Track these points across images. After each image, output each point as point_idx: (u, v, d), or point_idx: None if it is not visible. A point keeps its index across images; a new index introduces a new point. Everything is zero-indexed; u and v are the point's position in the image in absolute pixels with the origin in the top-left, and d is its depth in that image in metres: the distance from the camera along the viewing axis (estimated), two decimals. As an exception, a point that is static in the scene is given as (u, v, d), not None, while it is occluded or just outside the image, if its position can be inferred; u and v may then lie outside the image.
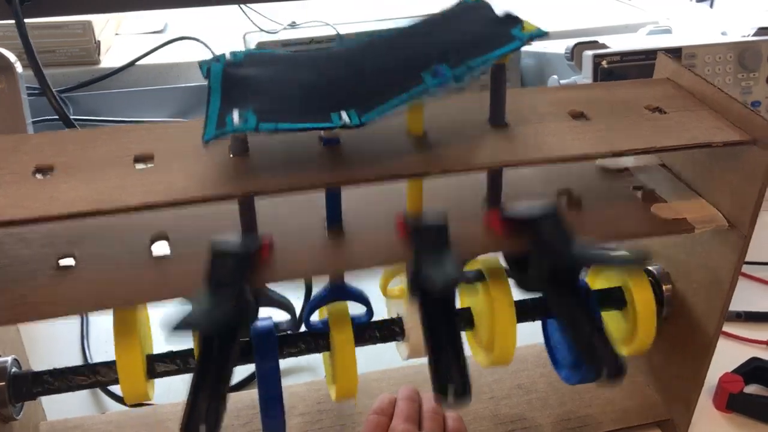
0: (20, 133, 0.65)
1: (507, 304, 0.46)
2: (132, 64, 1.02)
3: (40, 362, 0.52)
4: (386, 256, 0.43)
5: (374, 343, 0.50)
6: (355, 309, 0.49)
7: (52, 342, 0.64)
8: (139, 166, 0.41)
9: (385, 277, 0.51)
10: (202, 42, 1.03)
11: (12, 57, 0.67)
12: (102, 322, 0.67)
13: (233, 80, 0.42)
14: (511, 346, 0.47)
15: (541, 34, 0.40)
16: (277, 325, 0.48)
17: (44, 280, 0.41)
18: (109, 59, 1.05)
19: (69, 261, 0.43)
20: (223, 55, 0.45)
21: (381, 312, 0.52)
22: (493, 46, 0.40)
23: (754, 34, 0.84)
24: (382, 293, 0.52)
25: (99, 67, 1.02)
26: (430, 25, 0.45)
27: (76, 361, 0.62)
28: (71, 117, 0.89)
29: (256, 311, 0.43)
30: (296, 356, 0.49)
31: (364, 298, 0.49)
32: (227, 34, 1.06)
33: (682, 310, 0.52)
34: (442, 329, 0.40)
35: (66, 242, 0.44)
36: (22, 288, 0.41)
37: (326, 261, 0.43)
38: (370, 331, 0.50)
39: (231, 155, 0.42)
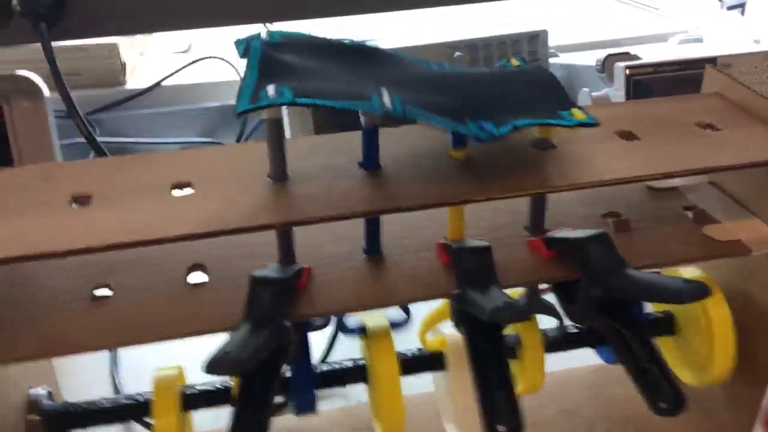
0: (49, 157, 0.64)
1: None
2: (157, 84, 1.02)
3: (68, 390, 0.51)
4: (429, 287, 0.41)
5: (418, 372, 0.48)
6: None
7: (79, 369, 0.62)
8: (177, 193, 0.40)
9: (425, 324, 0.49)
10: (227, 61, 1.02)
11: (38, 80, 0.66)
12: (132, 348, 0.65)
13: (271, 58, 0.40)
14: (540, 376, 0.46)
15: (590, 124, 0.38)
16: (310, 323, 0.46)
17: (80, 312, 0.40)
18: (135, 80, 1.05)
19: (105, 291, 0.42)
20: (259, 33, 0.43)
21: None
22: (540, 115, 0.39)
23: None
24: (422, 343, 0.50)
25: (125, 89, 1.02)
26: (484, 74, 0.43)
27: (105, 387, 0.61)
28: (98, 139, 0.89)
29: (296, 343, 0.42)
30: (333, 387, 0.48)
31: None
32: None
33: (741, 337, 0.50)
34: (492, 364, 0.38)
35: (101, 271, 0.43)
36: (58, 321, 0.40)
37: (367, 294, 0.41)
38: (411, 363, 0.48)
39: (270, 180, 0.40)
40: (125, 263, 0.44)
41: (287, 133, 0.87)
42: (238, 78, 0.98)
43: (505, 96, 0.39)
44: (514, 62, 0.46)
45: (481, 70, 0.45)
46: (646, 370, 0.38)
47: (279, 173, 0.40)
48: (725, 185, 0.49)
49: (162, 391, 0.44)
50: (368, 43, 0.46)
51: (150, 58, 1.14)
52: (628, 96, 0.75)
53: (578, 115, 0.38)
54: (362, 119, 0.40)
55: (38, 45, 0.72)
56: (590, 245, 0.39)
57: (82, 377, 0.59)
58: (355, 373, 0.47)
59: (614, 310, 0.39)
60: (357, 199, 0.39)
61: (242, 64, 1.00)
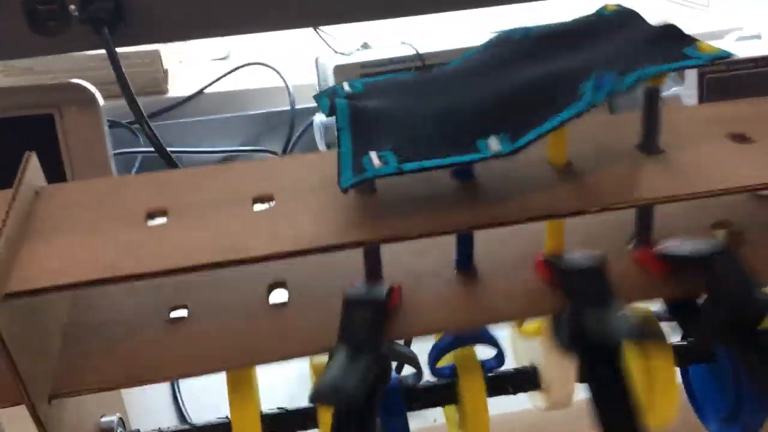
0: (104, 169, 0.62)
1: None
2: (200, 92, 1.00)
3: (134, 418, 0.49)
4: (531, 305, 0.38)
5: (506, 393, 0.45)
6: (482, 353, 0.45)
7: (140, 394, 0.60)
8: (259, 208, 0.37)
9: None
10: (271, 67, 1.00)
11: (92, 88, 0.64)
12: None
13: (361, 115, 0.38)
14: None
15: (725, 56, 0.35)
16: (400, 379, 0.43)
17: (157, 336, 0.38)
18: (176, 88, 1.03)
19: (182, 312, 0.39)
20: (341, 86, 0.41)
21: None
22: (664, 60, 0.35)
23: None
24: (517, 331, 0.47)
25: (167, 97, 1.00)
26: (570, 35, 0.40)
27: (169, 415, 0.59)
28: (142, 149, 0.87)
29: (392, 370, 0.39)
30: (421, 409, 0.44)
31: (495, 341, 0.44)
32: (295, 58, 1.03)
33: None
34: (615, 393, 0.35)
35: (176, 290, 0.40)
36: (134, 346, 0.37)
37: (462, 312, 0.38)
38: (501, 383, 0.45)
39: (357, 194, 0.38)
40: (200, 282, 0.41)
41: (320, 145, 0.84)
42: (282, 84, 0.96)
43: (611, 49, 0.36)
44: (611, 6, 0.42)
45: (570, 29, 0.41)
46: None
47: (367, 187, 0.37)
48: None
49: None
50: (442, 65, 0.43)
51: (189, 65, 1.12)
52: (701, 95, 0.72)
53: (707, 48, 0.35)
54: None
55: (79, 53, 0.70)
56: (714, 257, 0.36)
57: (144, 403, 0.57)
58: (445, 394, 0.44)
59: (740, 332, 0.36)
60: (453, 213, 0.36)
61: (286, 71, 0.97)
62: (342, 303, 0.35)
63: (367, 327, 0.35)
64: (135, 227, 0.36)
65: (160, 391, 0.61)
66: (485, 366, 0.44)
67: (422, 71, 0.42)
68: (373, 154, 0.34)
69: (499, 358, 0.45)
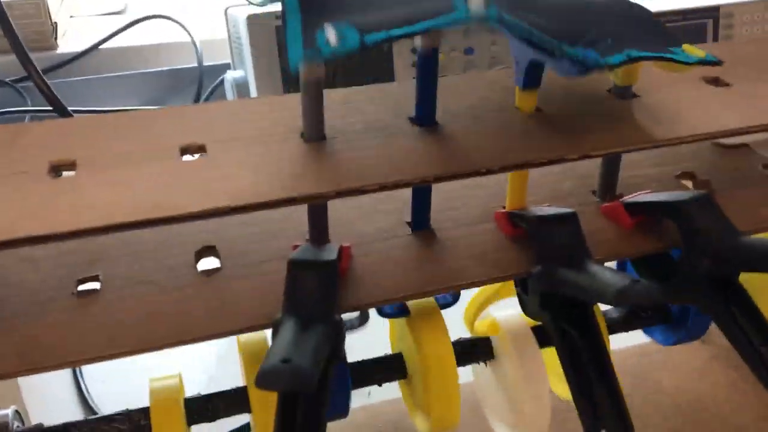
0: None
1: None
2: (95, 48, 0.90)
3: (33, 410, 0.42)
4: (496, 264, 0.34)
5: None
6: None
7: (38, 382, 0.53)
8: (188, 158, 0.31)
9: (475, 306, 0.42)
10: (174, 20, 0.91)
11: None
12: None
13: None
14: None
15: (712, 62, 0.31)
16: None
17: (61, 314, 0.31)
18: (67, 44, 0.93)
19: (93, 285, 0.33)
20: None
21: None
22: (653, 49, 0.32)
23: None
24: (468, 329, 0.43)
25: (57, 53, 0.90)
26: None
27: (74, 406, 0.51)
28: (35, 108, 0.78)
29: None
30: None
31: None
32: (201, 11, 0.95)
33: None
34: (592, 355, 0.31)
35: (86, 260, 0.34)
36: (32, 326, 0.31)
37: (421, 276, 0.34)
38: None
39: (304, 141, 0.32)
40: (114, 249, 0.35)
41: (253, 91, 0.77)
42: (188, 39, 0.88)
43: (604, 23, 0.32)
44: None
45: None
46: (762, 354, 0.32)
47: (316, 132, 0.32)
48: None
49: (163, 406, 0.36)
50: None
51: (81, 19, 1.02)
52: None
53: (693, 51, 0.32)
54: (419, 41, 0.31)
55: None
56: (693, 209, 0.33)
57: (44, 392, 0.50)
58: (391, 368, 0.40)
59: (724, 286, 0.33)
60: (419, 162, 0.31)
61: (192, 24, 0.88)
62: (287, 268, 0.30)
63: (318, 294, 0.30)
64: (36, 182, 0.29)
65: (61, 378, 0.54)
66: (439, 302, 0.39)
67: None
68: (329, 28, 0.28)
69: (455, 296, 0.40)
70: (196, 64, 0.86)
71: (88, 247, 0.35)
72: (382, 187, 0.30)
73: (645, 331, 0.46)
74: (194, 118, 0.34)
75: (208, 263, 0.35)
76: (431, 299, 0.39)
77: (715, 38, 0.73)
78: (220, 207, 0.29)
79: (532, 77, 0.33)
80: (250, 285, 0.33)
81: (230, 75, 0.80)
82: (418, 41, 0.31)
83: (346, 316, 0.35)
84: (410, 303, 0.39)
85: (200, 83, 0.85)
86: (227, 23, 0.82)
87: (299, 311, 0.29)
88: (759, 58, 0.40)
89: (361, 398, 0.49)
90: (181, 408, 0.36)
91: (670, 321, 0.42)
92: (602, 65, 0.29)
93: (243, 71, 0.71)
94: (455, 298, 0.39)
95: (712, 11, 0.73)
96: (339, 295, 0.31)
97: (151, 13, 0.95)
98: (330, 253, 0.32)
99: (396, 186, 0.30)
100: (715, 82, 0.37)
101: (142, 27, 0.94)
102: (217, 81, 0.84)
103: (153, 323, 0.31)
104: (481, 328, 0.41)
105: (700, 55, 0.31)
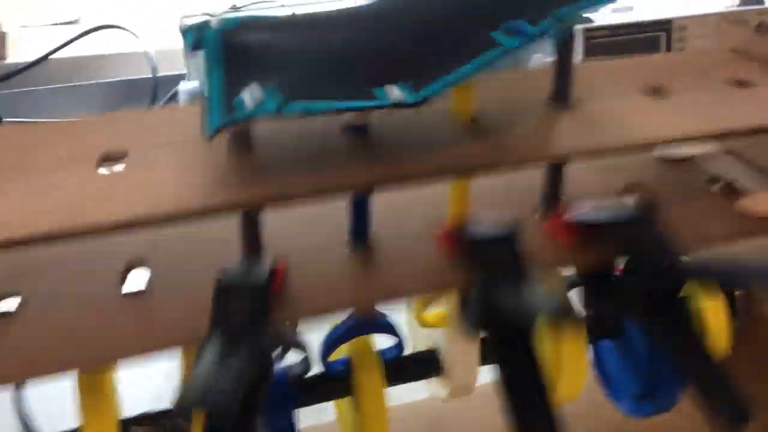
0: None
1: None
2: (45, 58, 0.88)
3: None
4: (433, 281, 0.33)
5: (406, 382, 0.40)
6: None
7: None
8: (108, 167, 0.30)
9: (422, 302, 0.41)
10: (128, 30, 0.90)
11: None
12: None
13: (237, 48, 0.31)
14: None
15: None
16: (286, 369, 0.37)
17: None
18: (17, 54, 0.91)
19: (10, 303, 0.31)
20: (208, 21, 0.34)
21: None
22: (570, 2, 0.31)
23: (740, 4, 0.81)
24: (417, 322, 0.42)
25: (5, 63, 0.88)
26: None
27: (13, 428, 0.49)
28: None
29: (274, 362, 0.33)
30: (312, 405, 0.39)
31: (393, 329, 0.39)
32: (155, 22, 0.93)
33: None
34: (526, 373, 0.30)
35: (3, 277, 0.32)
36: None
37: (357, 291, 0.33)
38: (400, 369, 0.40)
39: (230, 151, 0.31)
40: (35, 266, 0.33)
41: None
42: (142, 50, 0.86)
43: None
44: None
45: None
46: (702, 378, 0.31)
47: (242, 141, 0.31)
48: (744, 155, 0.43)
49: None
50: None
51: (33, 30, 1.00)
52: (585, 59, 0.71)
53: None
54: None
55: None
56: (633, 227, 0.32)
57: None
58: (339, 388, 0.39)
59: (664, 303, 0.32)
60: (349, 169, 0.30)
61: (146, 35, 0.87)
62: (213, 286, 0.29)
63: (245, 315, 0.28)
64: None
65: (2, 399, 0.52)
66: (384, 356, 0.38)
67: (319, 12, 0.34)
68: (248, 92, 0.28)
69: (399, 346, 0.40)
70: (150, 75, 0.84)
71: (6, 264, 0.33)
72: (310, 193, 0.29)
73: (613, 397, 0.45)
74: (118, 125, 0.32)
75: (138, 279, 0.33)
76: (376, 358, 0.38)
77: (668, 50, 0.73)
78: (138, 218, 0.27)
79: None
80: (180, 302, 0.32)
81: (184, 86, 0.79)
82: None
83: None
84: (355, 362, 0.38)
85: (154, 94, 0.83)
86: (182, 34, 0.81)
87: (224, 333, 0.28)
88: (702, 68, 0.40)
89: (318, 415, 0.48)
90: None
91: (618, 336, 0.42)
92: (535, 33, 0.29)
93: (197, 82, 0.70)
94: (400, 352, 0.39)
95: (666, 24, 0.74)
96: (270, 312, 0.30)
97: (105, 23, 0.93)
98: (262, 270, 0.30)
99: (323, 192, 0.29)
100: (657, 92, 0.37)
101: (95, 37, 0.92)
102: (172, 92, 0.82)
103: (74, 343, 0.30)
104: (430, 320, 0.41)
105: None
